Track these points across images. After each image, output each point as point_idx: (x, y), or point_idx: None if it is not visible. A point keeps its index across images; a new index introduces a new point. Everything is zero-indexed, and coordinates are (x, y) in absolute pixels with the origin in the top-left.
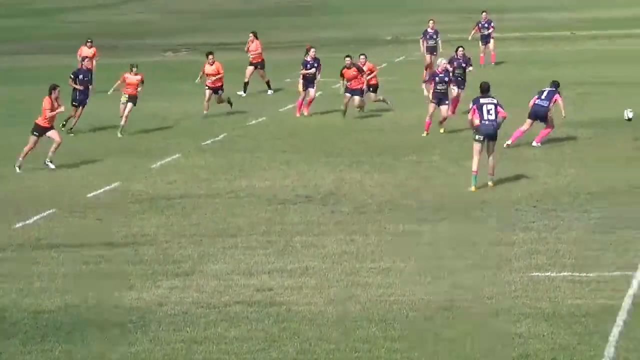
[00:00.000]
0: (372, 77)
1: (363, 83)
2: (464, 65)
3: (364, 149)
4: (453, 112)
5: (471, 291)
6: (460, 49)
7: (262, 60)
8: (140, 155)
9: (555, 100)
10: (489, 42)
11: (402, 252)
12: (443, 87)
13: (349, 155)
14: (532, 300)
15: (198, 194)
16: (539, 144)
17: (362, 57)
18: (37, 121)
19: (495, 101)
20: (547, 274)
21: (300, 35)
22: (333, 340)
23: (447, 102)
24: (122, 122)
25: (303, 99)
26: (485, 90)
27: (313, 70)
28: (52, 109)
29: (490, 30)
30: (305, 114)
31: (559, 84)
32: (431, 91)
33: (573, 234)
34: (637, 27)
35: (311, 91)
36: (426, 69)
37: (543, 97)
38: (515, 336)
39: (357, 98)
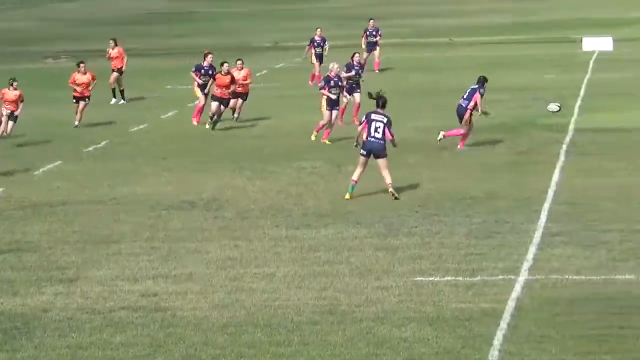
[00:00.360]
0: (245, 85)
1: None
2: (360, 71)
3: (246, 155)
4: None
5: (356, 296)
6: (357, 54)
7: (122, 66)
8: (22, 162)
9: (475, 102)
10: (375, 49)
11: (286, 257)
12: (337, 92)
13: (231, 162)
14: (417, 304)
15: (80, 201)
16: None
17: (239, 62)
18: None
19: (385, 120)
20: (430, 278)
21: (179, 42)
22: (218, 345)
23: (337, 108)
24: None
25: (203, 106)
26: (380, 105)
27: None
28: None
29: (377, 38)
30: (197, 121)
31: (484, 79)
32: (325, 97)
33: (456, 239)
34: (512, 33)
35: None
36: (313, 77)
37: (465, 96)
38: (400, 340)
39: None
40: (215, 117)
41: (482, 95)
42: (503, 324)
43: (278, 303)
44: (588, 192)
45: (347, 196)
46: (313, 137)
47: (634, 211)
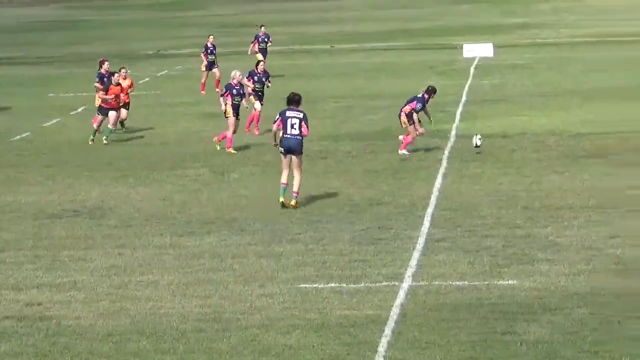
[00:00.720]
0: (127, 94)
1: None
2: (264, 79)
3: (130, 163)
4: (249, 129)
5: (240, 303)
6: (261, 63)
7: None
8: None
9: (410, 107)
10: (266, 56)
11: (170, 265)
12: (239, 100)
13: (114, 169)
14: (301, 311)
15: None
16: (403, 151)
17: (122, 70)
18: None
19: (301, 115)
20: (314, 285)
21: (66, 50)
22: (104, 354)
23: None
24: None
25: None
26: (294, 102)
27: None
28: None
29: (269, 44)
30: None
31: (431, 90)
32: (229, 104)
33: (339, 245)
34: (394, 40)
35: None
36: (203, 85)
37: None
38: (285, 347)
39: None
40: (113, 127)
41: (423, 105)
42: (387, 331)
43: (163, 311)
44: (470, 198)
45: (281, 199)
46: (218, 147)
47: (516, 217)
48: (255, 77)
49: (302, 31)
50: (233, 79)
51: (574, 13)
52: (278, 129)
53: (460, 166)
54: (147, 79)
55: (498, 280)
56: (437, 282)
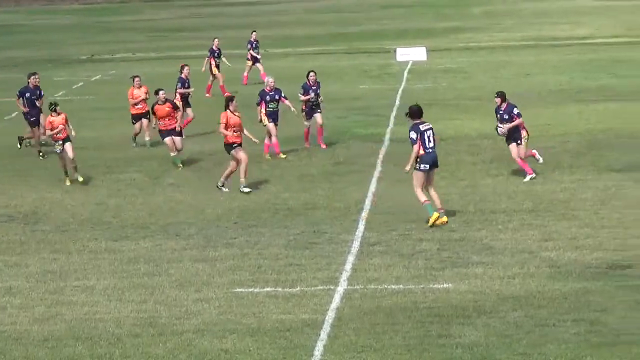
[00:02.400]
0: None
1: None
2: (318, 91)
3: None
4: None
5: (176, 308)
6: (312, 73)
7: None
8: None
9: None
10: (259, 61)
11: (106, 269)
12: (274, 106)
13: (49, 175)
14: (237, 316)
15: None
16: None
17: (136, 79)
18: None
19: (431, 126)
20: (250, 289)
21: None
22: (40, 359)
23: (277, 122)
24: None
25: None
26: (421, 114)
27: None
28: None
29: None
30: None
31: None
32: (263, 113)
33: (274, 250)
34: (327, 44)
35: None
36: (209, 88)
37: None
38: (221, 352)
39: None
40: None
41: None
42: (323, 335)
43: (98, 316)
44: (405, 202)
45: (431, 220)
46: (268, 157)
47: (450, 220)
48: (310, 91)
49: (235, 35)
50: (267, 85)
51: (508, 17)
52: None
53: (394, 170)
54: (80, 84)
55: (433, 284)
56: (372, 286)
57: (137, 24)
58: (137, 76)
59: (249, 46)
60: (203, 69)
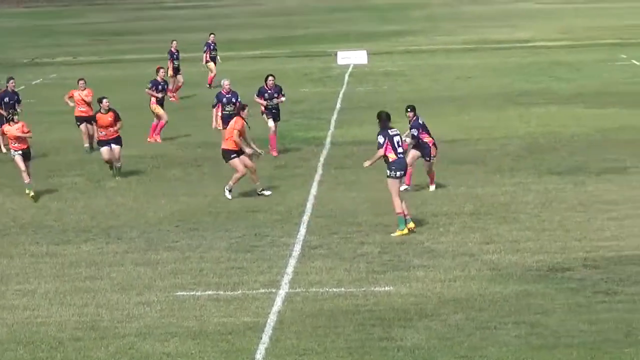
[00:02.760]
0: None
1: None
2: (275, 95)
3: (5, 172)
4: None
5: (117, 311)
6: (271, 77)
7: None
8: None
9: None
10: (216, 64)
11: (47, 273)
12: (230, 109)
13: None
14: (179, 319)
15: None
16: None
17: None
18: None
19: (399, 132)
20: (192, 293)
21: None
22: None
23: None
24: None
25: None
26: (388, 120)
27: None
28: None
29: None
30: None
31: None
32: (219, 116)
33: (216, 253)
34: (268, 47)
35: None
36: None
37: None
38: (163, 355)
39: None
40: None
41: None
42: (265, 338)
43: (40, 320)
44: (346, 205)
45: (399, 232)
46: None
47: (392, 223)
48: (266, 94)
49: (179, 39)
50: (223, 87)
51: (449, 20)
52: (388, 153)
53: (335, 173)
54: (22, 87)
55: (374, 287)
56: (313, 289)
57: (80, 27)
58: (82, 79)
59: (206, 48)
60: (170, 72)
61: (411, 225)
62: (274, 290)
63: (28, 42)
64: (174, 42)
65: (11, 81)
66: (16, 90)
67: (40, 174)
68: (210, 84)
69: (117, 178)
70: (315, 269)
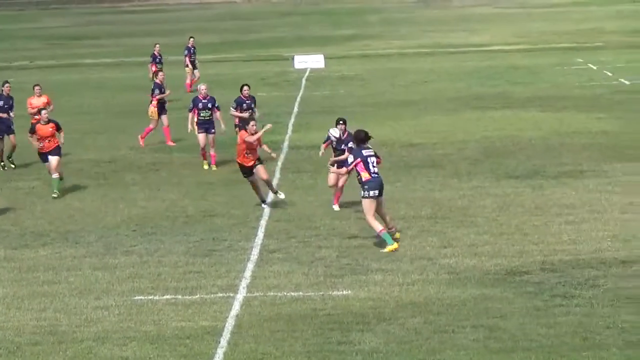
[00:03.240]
0: None
1: None
2: (252, 105)
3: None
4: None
5: (75, 316)
6: (246, 87)
7: None
8: None
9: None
10: (196, 67)
11: (5, 278)
12: (206, 115)
13: None
14: (137, 323)
15: None
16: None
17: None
18: None
19: (374, 152)
20: (150, 297)
21: None
22: None
23: (213, 130)
24: None
25: None
26: (365, 140)
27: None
28: None
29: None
30: None
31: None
32: (195, 122)
33: (174, 257)
34: (224, 52)
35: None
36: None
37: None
38: (122, 359)
39: None
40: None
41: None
42: (223, 342)
43: None
44: (304, 209)
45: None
46: (206, 167)
47: (350, 227)
48: (244, 105)
49: (134, 43)
50: (199, 92)
51: (404, 24)
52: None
53: (293, 177)
54: None
55: (333, 291)
56: (272, 293)
57: (35, 31)
58: (37, 85)
59: (187, 52)
60: (150, 75)
61: (397, 235)
62: (232, 295)
63: None
64: (157, 46)
65: (6, 85)
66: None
67: None
68: (189, 90)
69: (54, 192)
70: (274, 273)
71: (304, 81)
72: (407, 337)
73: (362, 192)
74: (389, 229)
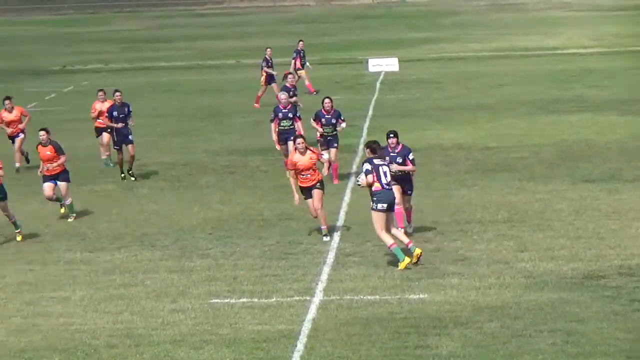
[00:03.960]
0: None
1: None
2: (333, 121)
3: (38, 179)
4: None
5: (152, 319)
6: (327, 100)
7: None
8: None
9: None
10: (302, 69)
11: (82, 280)
12: (287, 124)
13: (23, 185)
14: (213, 326)
15: None
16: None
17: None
18: None
19: (386, 163)
20: (226, 300)
21: None
22: None
23: (291, 138)
24: None
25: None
26: (375, 150)
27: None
28: None
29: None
30: None
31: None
32: (276, 132)
33: (250, 261)
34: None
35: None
36: (259, 97)
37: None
38: None
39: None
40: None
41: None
42: (300, 345)
43: (75, 327)
44: None
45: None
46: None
47: (426, 231)
48: (323, 120)
49: (208, 46)
50: (280, 101)
51: (479, 27)
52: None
53: None
54: (53, 95)
55: (409, 294)
56: (348, 297)
57: (109, 34)
58: (101, 90)
59: (296, 55)
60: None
61: (417, 251)
62: (308, 298)
63: (57, 49)
64: (269, 50)
65: (117, 94)
66: (125, 102)
67: (73, 182)
68: (312, 91)
69: (70, 217)
70: (350, 277)
71: (378, 84)
72: (484, 342)
73: (371, 204)
74: (407, 244)
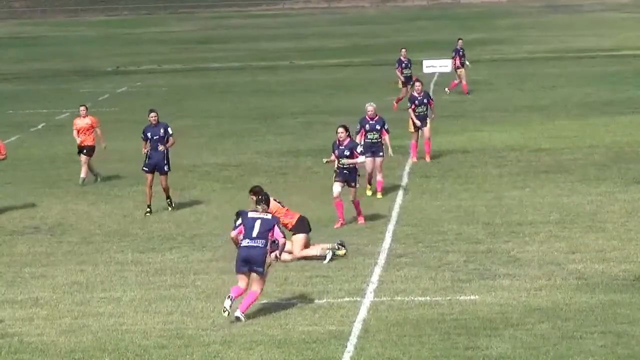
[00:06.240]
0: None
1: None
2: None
3: (90, 179)
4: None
5: (202, 319)
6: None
7: None
8: None
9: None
10: (463, 67)
11: (132, 281)
12: (374, 137)
13: (74, 186)
14: (264, 327)
15: None
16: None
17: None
18: None
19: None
20: (276, 301)
21: (22, 67)
22: None
23: (381, 154)
24: None
25: None
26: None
27: None
28: None
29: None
30: None
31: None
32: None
33: (301, 261)
34: (352, 56)
35: None
36: (399, 99)
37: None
38: None
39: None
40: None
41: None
42: (350, 346)
43: (125, 327)
44: (431, 214)
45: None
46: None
47: (477, 232)
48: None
49: (261, 47)
50: (367, 112)
51: (533, 29)
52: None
53: (420, 182)
54: (106, 96)
55: (460, 296)
56: (399, 298)
57: (163, 35)
58: (83, 105)
59: (455, 54)
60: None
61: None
62: (359, 299)
63: (110, 50)
64: (403, 50)
65: (152, 115)
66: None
67: (124, 182)
68: (466, 92)
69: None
70: (401, 278)
71: (432, 85)
72: (535, 343)
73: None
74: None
